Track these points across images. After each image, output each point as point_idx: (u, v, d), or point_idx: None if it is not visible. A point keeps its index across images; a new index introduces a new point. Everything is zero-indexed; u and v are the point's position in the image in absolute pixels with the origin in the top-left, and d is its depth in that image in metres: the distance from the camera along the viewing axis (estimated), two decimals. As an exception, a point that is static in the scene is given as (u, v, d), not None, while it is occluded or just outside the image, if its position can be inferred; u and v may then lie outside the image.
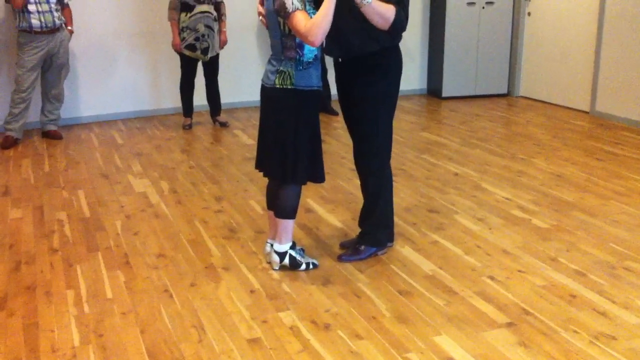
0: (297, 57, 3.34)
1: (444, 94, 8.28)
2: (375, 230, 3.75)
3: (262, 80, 3.49)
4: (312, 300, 3.28)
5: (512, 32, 8.32)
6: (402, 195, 4.75)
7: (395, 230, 4.10)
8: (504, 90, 8.49)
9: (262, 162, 3.59)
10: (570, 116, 7.27)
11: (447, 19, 8.05)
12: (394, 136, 6.37)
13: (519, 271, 3.56)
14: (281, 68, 3.37)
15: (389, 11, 3.30)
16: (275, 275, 3.54)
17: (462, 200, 4.64)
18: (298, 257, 3.59)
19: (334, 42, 3.47)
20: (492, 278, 3.48)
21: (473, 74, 8.31)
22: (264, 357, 2.80)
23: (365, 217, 3.77)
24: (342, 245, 3.89)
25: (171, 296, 3.33)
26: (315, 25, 3.12)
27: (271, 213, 3.63)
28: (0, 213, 4.51)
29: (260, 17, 3.48)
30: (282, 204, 3.51)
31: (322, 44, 3.35)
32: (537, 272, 3.55)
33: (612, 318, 3.08)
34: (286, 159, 3.43)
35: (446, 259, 3.72)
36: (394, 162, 5.50)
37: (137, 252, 3.87)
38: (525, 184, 4.97)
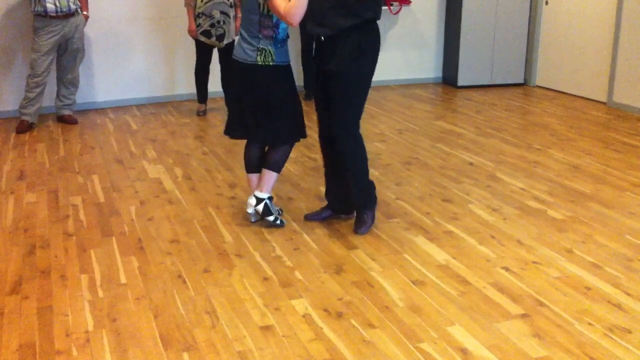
0: (274, 35, 3.72)
1: (459, 83, 8.23)
2: (367, 197, 3.93)
3: (238, 56, 3.82)
4: (325, 288, 3.27)
5: (529, 20, 8.24)
6: (416, 185, 4.73)
7: (409, 219, 4.10)
8: (521, 80, 8.42)
9: (253, 132, 3.91)
10: (587, 106, 7.20)
11: (463, 7, 7.98)
12: (409, 125, 6.37)
13: (534, 262, 3.54)
14: (261, 46, 3.73)
15: None
16: (288, 262, 3.54)
17: (476, 190, 4.62)
18: (272, 208, 3.95)
19: (315, 21, 3.69)
20: (506, 269, 3.46)
21: (489, 63, 8.25)
22: (276, 344, 2.80)
23: (354, 193, 3.90)
24: (308, 218, 4.11)
25: (185, 282, 3.34)
26: (293, 7, 3.48)
27: (253, 175, 4.01)
28: (15, 197, 4.53)
29: None
30: (279, 160, 3.95)
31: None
32: (552, 263, 3.53)
33: (627, 311, 3.05)
34: (288, 124, 3.89)
35: (460, 249, 3.70)
36: (407, 152, 5.51)
37: (151, 237, 3.88)
38: (541, 175, 4.94)
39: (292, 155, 5.40)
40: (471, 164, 5.22)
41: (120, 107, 7.20)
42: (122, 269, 3.49)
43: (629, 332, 2.88)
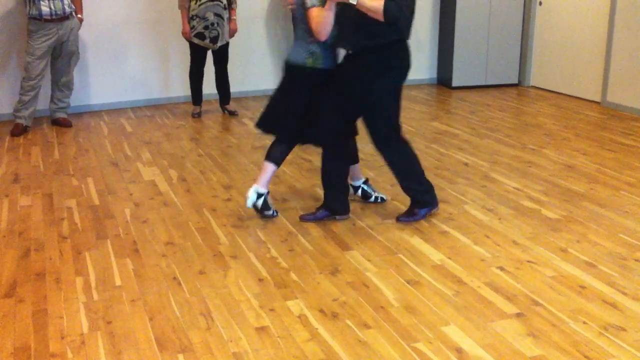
0: (321, 44, 3.86)
1: (454, 84, 8.24)
2: (419, 195, 4.09)
3: (289, 57, 4.01)
4: (320, 289, 3.27)
5: (523, 21, 8.26)
6: (411, 185, 4.73)
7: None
8: (515, 80, 8.44)
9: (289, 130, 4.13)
10: (581, 106, 7.22)
11: (457, 8, 8.00)
12: (404, 125, 6.35)
13: (529, 262, 3.55)
14: (312, 49, 3.90)
15: (376, 4, 3.55)
16: (284, 264, 3.54)
17: (471, 191, 4.62)
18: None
19: (342, 37, 3.83)
20: (501, 268, 3.47)
21: (483, 64, 8.27)
22: (271, 345, 2.80)
23: (407, 191, 4.12)
24: (303, 218, 4.16)
25: (180, 284, 3.34)
26: (319, 24, 3.70)
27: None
28: (10, 200, 4.53)
29: (290, 6, 3.98)
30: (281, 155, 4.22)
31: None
32: (546, 262, 3.53)
33: (621, 309, 3.06)
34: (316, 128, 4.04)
35: (455, 249, 3.71)
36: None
37: (145, 239, 3.88)
38: (535, 175, 4.95)
39: (287, 156, 5.42)
40: (466, 164, 5.23)
41: (115, 110, 7.19)
42: (117, 272, 3.48)
43: (624, 330, 2.89)
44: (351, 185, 4.37)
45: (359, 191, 4.39)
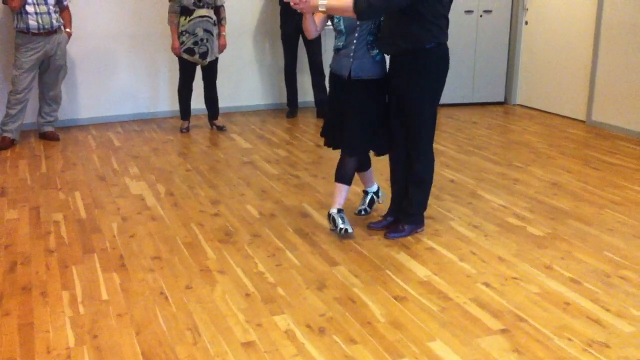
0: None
1: (440, 101, 8.27)
2: (420, 210, 4.14)
3: None
4: (307, 304, 3.28)
5: (509, 40, 8.35)
6: (398, 201, 4.75)
7: (391, 235, 4.13)
8: (501, 98, 8.51)
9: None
10: (566, 125, 7.30)
11: (445, 27, 8.07)
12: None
13: (514, 278, 3.57)
14: None
15: (345, 3, 3.66)
16: (271, 279, 3.55)
17: (457, 207, 4.66)
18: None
19: (382, 41, 3.93)
20: (486, 285, 3.49)
21: (470, 82, 8.34)
22: (258, 360, 2.80)
23: (410, 201, 4.09)
24: (371, 227, 4.23)
25: (167, 298, 3.34)
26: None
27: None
28: (-4, 213, 4.51)
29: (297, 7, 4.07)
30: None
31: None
32: (531, 279, 3.56)
33: (605, 326, 3.09)
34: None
35: (441, 265, 3.73)
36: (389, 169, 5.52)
37: (132, 254, 3.87)
38: (521, 192, 4.99)
39: (275, 172, 5.45)
40: (452, 181, 5.27)
41: (103, 124, 7.19)
42: (103, 286, 3.47)
43: (608, 347, 2.92)
44: (364, 191, 4.53)
45: (368, 197, 4.49)
